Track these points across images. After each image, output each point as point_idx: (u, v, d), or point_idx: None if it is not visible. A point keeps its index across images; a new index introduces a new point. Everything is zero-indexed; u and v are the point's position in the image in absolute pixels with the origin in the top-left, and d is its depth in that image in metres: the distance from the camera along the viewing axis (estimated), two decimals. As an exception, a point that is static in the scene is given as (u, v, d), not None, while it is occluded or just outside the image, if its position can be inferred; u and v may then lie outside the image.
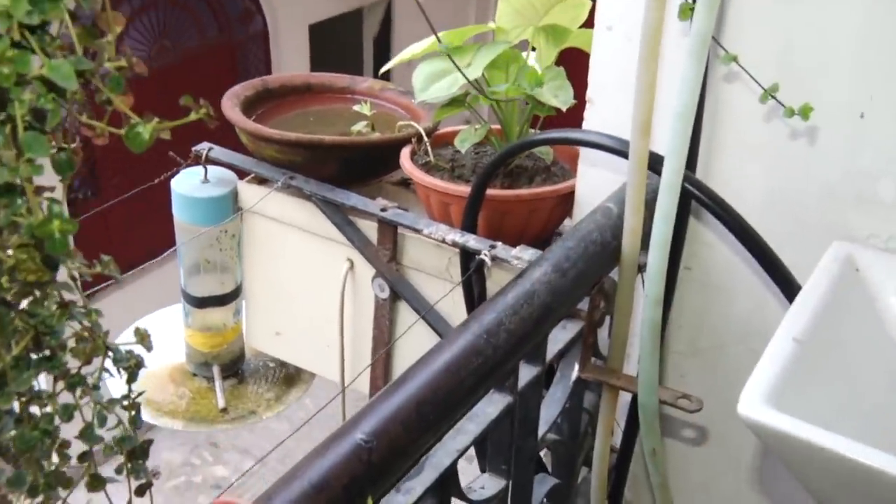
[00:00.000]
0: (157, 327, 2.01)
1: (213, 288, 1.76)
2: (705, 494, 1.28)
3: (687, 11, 1.00)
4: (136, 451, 0.71)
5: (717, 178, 1.14)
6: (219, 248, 1.70)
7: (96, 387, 0.68)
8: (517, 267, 1.27)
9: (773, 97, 0.96)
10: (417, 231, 1.38)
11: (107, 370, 0.70)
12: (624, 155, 1.07)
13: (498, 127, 1.43)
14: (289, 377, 1.88)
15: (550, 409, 1.16)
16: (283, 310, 1.74)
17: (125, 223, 4.54)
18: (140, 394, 0.73)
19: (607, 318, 1.17)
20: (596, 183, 1.28)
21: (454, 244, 1.33)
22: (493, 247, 1.30)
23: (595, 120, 1.24)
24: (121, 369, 0.71)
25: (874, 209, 1.07)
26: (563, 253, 1.03)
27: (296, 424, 1.90)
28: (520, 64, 1.37)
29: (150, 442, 0.73)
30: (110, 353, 0.68)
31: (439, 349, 0.87)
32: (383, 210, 1.42)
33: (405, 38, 5.22)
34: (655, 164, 1.05)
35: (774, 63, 1.01)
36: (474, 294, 1.34)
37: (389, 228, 1.44)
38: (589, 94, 1.23)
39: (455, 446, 0.93)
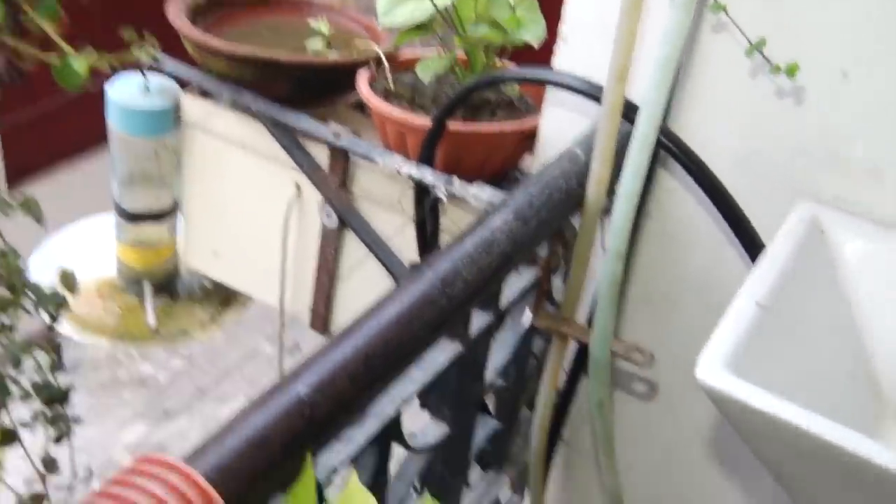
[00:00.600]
0: (85, 236, 1.93)
1: (149, 203, 1.68)
2: (648, 447, 1.28)
3: (676, -50, 0.94)
4: (54, 400, 0.66)
5: (686, 129, 1.10)
6: (157, 163, 1.62)
7: (11, 328, 0.62)
8: (474, 206, 1.23)
9: (760, 52, 0.92)
10: (371, 161, 1.32)
11: (24, 308, 0.64)
12: (597, 100, 1.02)
13: (463, 56, 1.36)
14: (225, 299, 1.83)
15: (498, 354, 1.13)
16: (222, 230, 1.68)
17: (56, 110, 4.32)
18: (62, 337, 0.68)
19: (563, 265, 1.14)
20: (561, 123, 1.23)
21: (409, 177, 1.28)
22: (449, 182, 1.25)
23: (567, 59, 1.18)
24: (42, 310, 0.65)
25: (844, 170, 1.05)
26: (526, 200, 0.99)
27: (229, 331, 1.85)
28: (490, -10, 1.30)
29: (70, 389, 0.68)
30: (30, 294, 0.62)
31: (391, 298, 0.82)
32: (336, 135, 1.36)
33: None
34: (629, 112, 1.01)
35: (762, 17, 0.97)
36: (427, 230, 1.29)
37: (341, 155, 1.38)
38: (563, 30, 1.17)
39: (400, 395, 0.90)
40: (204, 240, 1.72)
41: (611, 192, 1.07)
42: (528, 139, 1.30)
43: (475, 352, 1.02)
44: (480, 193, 1.22)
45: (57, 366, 0.66)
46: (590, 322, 1.11)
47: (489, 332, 1.03)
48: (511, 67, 1.33)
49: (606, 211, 1.09)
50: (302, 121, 1.40)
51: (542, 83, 1.20)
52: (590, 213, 1.06)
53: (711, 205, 1.08)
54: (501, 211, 0.97)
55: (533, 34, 1.24)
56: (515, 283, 1.08)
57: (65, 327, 1.76)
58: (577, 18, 1.16)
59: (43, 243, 1.96)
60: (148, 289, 1.77)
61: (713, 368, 0.80)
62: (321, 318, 1.57)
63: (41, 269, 1.88)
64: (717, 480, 1.25)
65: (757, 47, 0.92)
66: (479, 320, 1.00)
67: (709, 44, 1.03)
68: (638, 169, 0.97)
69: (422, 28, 1.36)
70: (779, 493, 1.21)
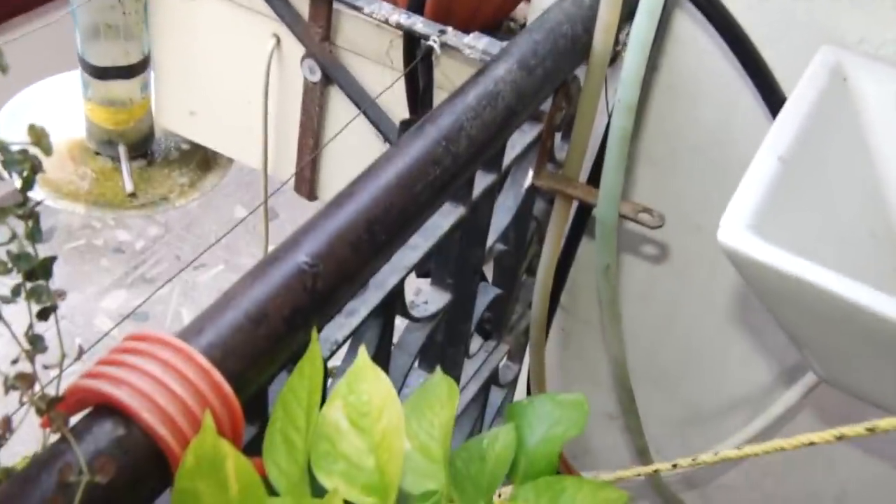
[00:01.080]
0: (52, 95, 1.84)
1: (116, 57, 1.59)
2: (654, 312, 1.26)
3: None
4: (35, 272, 0.61)
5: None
6: (122, 12, 1.52)
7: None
8: (469, 57, 1.16)
9: None
10: (357, 8, 1.23)
11: (-6, 175, 0.59)
12: (606, -66, 0.94)
13: None
14: (204, 161, 1.77)
15: (499, 217, 1.08)
16: (198, 87, 1.59)
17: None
18: (38, 203, 0.62)
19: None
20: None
21: (398, 26, 1.20)
22: (442, 32, 1.17)
23: None
24: (13, 174, 0.59)
25: (870, 7, 0.98)
26: (529, 47, 0.92)
27: (206, 194, 1.81)
28: None
29: (52, 259, 0.63)
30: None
31: (390, 158, 0.77)
32: (317, -19, 1.27)
33: None
34: (642, -52, 0.93)
35: None
36: (419, 85, 1.22)
37: (323, 3, 1.29)
38: None
39: (403, 263, 0.86)
40: (178, 98, 1.63)
41: (618, 41, 1.01)
42: (525, -17, 1.22)
43: (478, 215, 0.98)
44: (476, 43, 1.15)
45: (35, 235, 0.61)
46: (593, 182, 1.06)
47: (492, 194, 0.98)
48: None
49: (611, 61, 1.03)
50: (280, -35, 1.30)
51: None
52: (596, 63, 0.99)
53: (725, 55, 1.02)
54: (504, 60, 0.90)
55: None
56: (518, 142, 1.02)
57: (37, 192, 1.70)
58: None
59: (5, 103, 1.87)
60: (123, 151, 1.70)
61: (736, 230, 0.76)
62: (307, 182, 1.52)
63: (5, 130, 1.81)
64: (724, 346, 1.24)
65: None
66: (481, 181, 0.95)
67: None
68: (652, 11, 0.90)
69: None
70: (787, 359, 1.20)
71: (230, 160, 1.76)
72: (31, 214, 0.63)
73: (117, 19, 1.51)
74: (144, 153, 1.74)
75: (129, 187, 1.65)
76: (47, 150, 0.60)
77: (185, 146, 1.76)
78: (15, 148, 0.61)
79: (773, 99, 0.98)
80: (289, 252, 0.67)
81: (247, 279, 0.66)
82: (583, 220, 1.16)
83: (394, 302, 0.86)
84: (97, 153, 1.72)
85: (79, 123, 1.73)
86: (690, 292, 1.23)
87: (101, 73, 1.59)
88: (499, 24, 1.35)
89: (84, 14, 1.51)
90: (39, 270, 0.62)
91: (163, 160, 1.76)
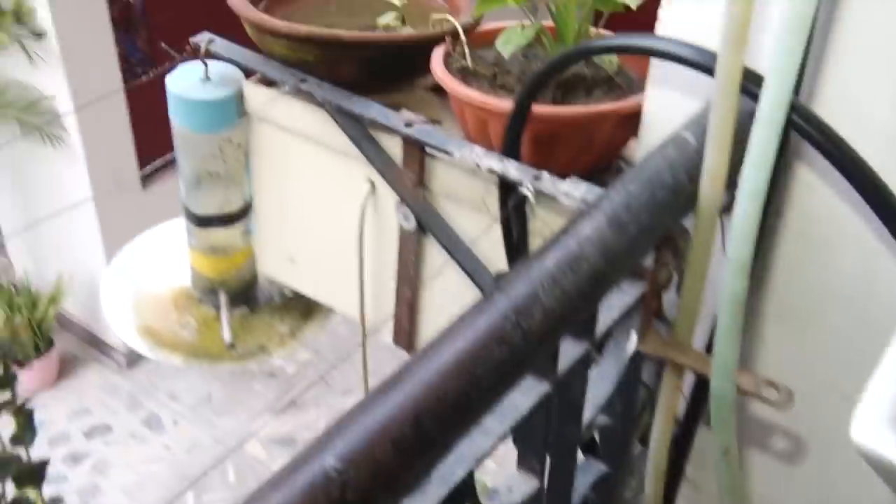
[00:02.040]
0: (160, 243, 1.86)
1: (218, 205, 1.59)
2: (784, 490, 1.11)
3: None
4: (22, 477, 0.55)
5: (824, 102, 0.92)
6: (222, 160, 1.53)
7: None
8: (567, 206, 1.07)
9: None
10: (447, 153, 1.18)
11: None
12: (709, 71, 0.85)
13: (551, 25, 1.20)
14: (306, 309, 1.73)
15: (600, 387, 0.98)
16: (297, 233, 1.57)
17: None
18: (27, 399, 0.57)
19: (675, 277, 0.97)
20: (669, 100, 1.07)
21: (490, 171, 1.14)
22: (537, 178, 1.10)
23: (674, 21, 1.01)
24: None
25: None
26: (622, 201, 0.83)
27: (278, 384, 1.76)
28: (582, -54, 1.14)
29: (44, 464, 0.57)
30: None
31: (450, 335, 0.68)
32: (408, 125, 1.23)
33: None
34: (750, 85, 0.84)
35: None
36: (513, 234, 1.15)
37: (415, 148, 1.25)
38: (668, -14, 1.00)
39: (472, 452, 0.76)
40: (278, 244, 1.62)
41: (731, 185, 0.90)
42: (630, 122, 1.14)
43: (568, 389, 0.87)
44: (573, 190, 1.07)
45: (26, 435, 0.55)
46: (709, 348, 0.94)
47: (585, 364, 0.88)
48: (605, 35, 1.17)
49: (727, 209, 0.92)
50: (370, 108, 1.27)
51: (640, 52, 1.03)
52: (704, 213, 0.89)
53: (861, 200, 0.90)
54: (592, 216, 0.81)
55: (632, -6, 1.07)
56: (616, 303, 0.92)
57: (138, 343, 1.70)
58: (685, -28, 0.99)
59: (124, 248, 1.91)
60: (224, 300, 1.68)
61: (872, 426, 0.63)
62: (405, 333, 1.45)
63: (117, 279, 1.84)
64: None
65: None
66: (570, 351, 0.85)
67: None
68: (764, 158, 0.80)
69: (503, -5, 1.21)
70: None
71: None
72: (19, 411, 0.57)
73: (219, 167, 1.52)
74: (247, 299, 1.72)
75: (227, 338, 1.63)
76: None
77: (288, 292, 1.74)
78: None
79: (919, 254, 0.85)
80: (315, 454, 0.59)
81: (265, 488, 0.58)
82: (704, 389, 1.03)
83: (463, 497, 0.75)
84: (201, 301, 1.72)
85: (186, 271, 1.74)
86: (833, 490, 1.07)
87: (203, 222, 1.59)
88: (607, 163, 1.27)
89: (187, 163, 1.53)
90: (26, 476, 0.56)
91: (266, 306, 1.74)
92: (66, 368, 4.42)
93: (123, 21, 4.36)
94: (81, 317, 4.42)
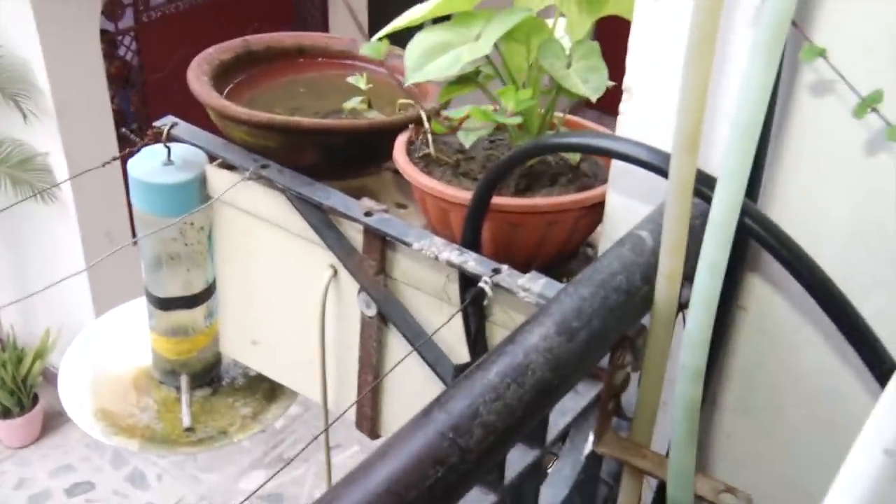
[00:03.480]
0: (123, 323, 1.83)
1: (180, 287, 1.57)
2: None
3: (757, -17, 0.77)
4: None
5: (781, 207, 0.91)
6: (184, 243, 1.51)
7: None
8: (524, 301, 1.06)
9: (875, 111, 0.73)
10: (406, 244, 1.17)
11: None
12: (663, 173, 0.85)
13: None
14: (271, 389, 1.70)
15: (554, 490, 0.95)
16: (260, 316, 1.55)
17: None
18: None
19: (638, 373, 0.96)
20: (631, 193, 1.06)
21: (449, 264, 1.12)
22: (496, 271, 1.09)
23: (633, 116, 1.01)
24: None
25: None
26: (573, 305, 0.81)
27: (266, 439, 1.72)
28: (544, 36, 1.14)
29: None
30: None
31: (382, 457, 0.66)
32: (367, 214, 1.21)
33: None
34: (703, 188, 0.83)
35: (875, 62, 0.77)
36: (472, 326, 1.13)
37: (377, 236, 1.23)
38: (627, 82, 1.00)
39: (410, 573, 0.73)
40: (241, 326, 1.60)
41: (691, 281, 0.89)
42: (596, 210, 1.13)
43: (520, 498, 0.85)
44: (532, 285, 1.05)
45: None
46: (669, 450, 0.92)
47: (536, 471, 0.86)
48: (563, 131, 1.17)
49: (684, 306, 0.91)
50: (331, 196, 1.26)
51: (596, 153, 1.03)
52: (660, 315, 0.88)
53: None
54: (540, 323, 0.79)
55: (592, 86, 1.07)
56: (570, 406, 0.90)
57: (93, 427, 1.66)
58: (642, 65, 0.99)
59: (88, 328, 1.88)
60: (185, 382, 1.65)
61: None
62: (367, 419, 1.42)
63: (77, 359, 1.80)
64: None
65: (870, 103, 0.73)
66: (519, 460, 0.83)
67: (807, 101, 0.84)
68: (715, 265, 0.79)
69: (467, 79, 1.21)
70: None
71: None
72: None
73: (180, 250, 1.51)
74: (209, 381, 1.69)
75: (186, 422, 1.60)
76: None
77: (252, 372, 1.71)
78: None
79: (879, 368, 0.83)
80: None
81: None
82: (664, 493, 1.01)
83: None
84: (162, 382, 1.69)
85: (148, 352, 1.71)
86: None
87: (164, 304, 1.57)
88: (574, 250, 1.26)
89: (147, 247, 1.51)
90: None
91: (228, 387, 1.71)
92: (49, 424, 4.38)
93: (120, 78, 4.40)
94: (68, 371, 4.37)
